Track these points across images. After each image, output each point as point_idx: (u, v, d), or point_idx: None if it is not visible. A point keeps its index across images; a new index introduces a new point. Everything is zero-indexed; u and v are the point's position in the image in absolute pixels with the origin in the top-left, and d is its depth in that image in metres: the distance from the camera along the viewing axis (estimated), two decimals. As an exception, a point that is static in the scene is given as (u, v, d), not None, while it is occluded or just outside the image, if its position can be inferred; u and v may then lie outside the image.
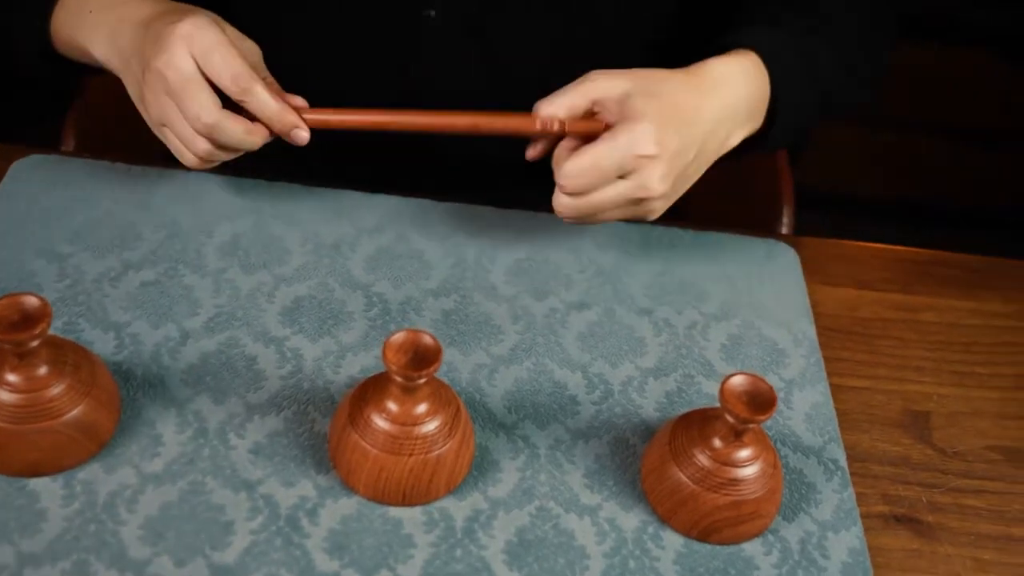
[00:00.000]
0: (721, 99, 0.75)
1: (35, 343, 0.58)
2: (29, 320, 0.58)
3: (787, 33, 0.80)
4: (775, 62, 0.78)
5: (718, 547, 0.64)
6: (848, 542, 0.66)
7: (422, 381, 0.61)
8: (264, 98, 0.71)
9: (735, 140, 0.78)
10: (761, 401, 0.61)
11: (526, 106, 0.73)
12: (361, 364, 0.71)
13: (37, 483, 0.61)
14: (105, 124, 1.02)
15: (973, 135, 1.84)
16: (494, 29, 0.82)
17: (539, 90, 0.73)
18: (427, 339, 0.61)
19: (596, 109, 0.72)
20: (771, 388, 0.62)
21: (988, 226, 1.72)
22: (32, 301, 0.59)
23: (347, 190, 0.83)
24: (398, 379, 0.60)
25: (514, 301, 0.77)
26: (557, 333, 0.75)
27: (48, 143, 0.89)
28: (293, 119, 0.72)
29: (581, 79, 0.72)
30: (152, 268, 0.74)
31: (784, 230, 1.06)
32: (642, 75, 0.73)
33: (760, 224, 1.06)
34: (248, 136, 0.71)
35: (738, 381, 0.62)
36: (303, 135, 0.73)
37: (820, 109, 0.83)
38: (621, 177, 0.70)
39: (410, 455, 0.62)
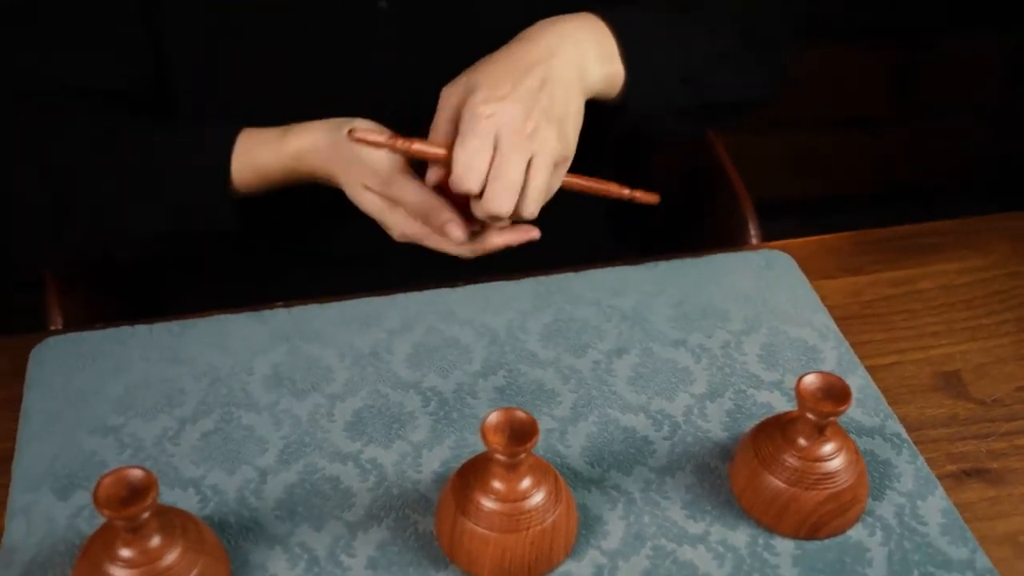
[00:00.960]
0: (553, 31, 0.77)
1: (147, 515, 0.58)
2: (137, 493, 0.58)
3: (641, 9, 0.83)
4: (621, 23, 0.80)
5: (828, 540, 0.68)
6: (936, 504, 0.70)
7: (523, 456, 0.62)
8: (417, 189, 0.76)
9: (594, 69, 0.78)
10: (836, 393, 0.65)
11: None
12: (439, 458, 0.72)
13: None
14: (83, 294, 1.01)
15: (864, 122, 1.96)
16: (442, 14, 0.85)
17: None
18: (520, 414, 0.63)
19: (461, 119, 0.73)
20: (841, 379, 0.66)
21: (914, 199, 1.82)
22: (136, 473, 0.59)
23: (360, 298, 0.84)
24: (502, 458, 0.62)
25: (558, 363, 0.79)
26: (607, 382, 0.78)
27: (31, 327, 0.88)
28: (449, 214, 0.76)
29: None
30: (207, 417, 0.74)
31: (754, 240, 1.12)
32: (478, 63, 0.75)
33: (729, 239, 1.11)
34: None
35: (810, 380, 0.66)
36: (457, 232, 0.75)
37: (689, 85, 0.84)
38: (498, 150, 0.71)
39: (527, 529, 0.63)
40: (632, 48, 0.79)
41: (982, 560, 0.67)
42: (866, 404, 0.77)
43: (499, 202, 0.71)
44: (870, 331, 0.85)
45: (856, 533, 0.68)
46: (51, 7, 0.80)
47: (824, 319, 0.84)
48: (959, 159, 2.00)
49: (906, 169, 2.00)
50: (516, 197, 0.72)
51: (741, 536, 0.68)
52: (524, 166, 0.72)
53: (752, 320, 0.84)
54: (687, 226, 1.13)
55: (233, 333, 0.81)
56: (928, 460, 0.74)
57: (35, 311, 1.00)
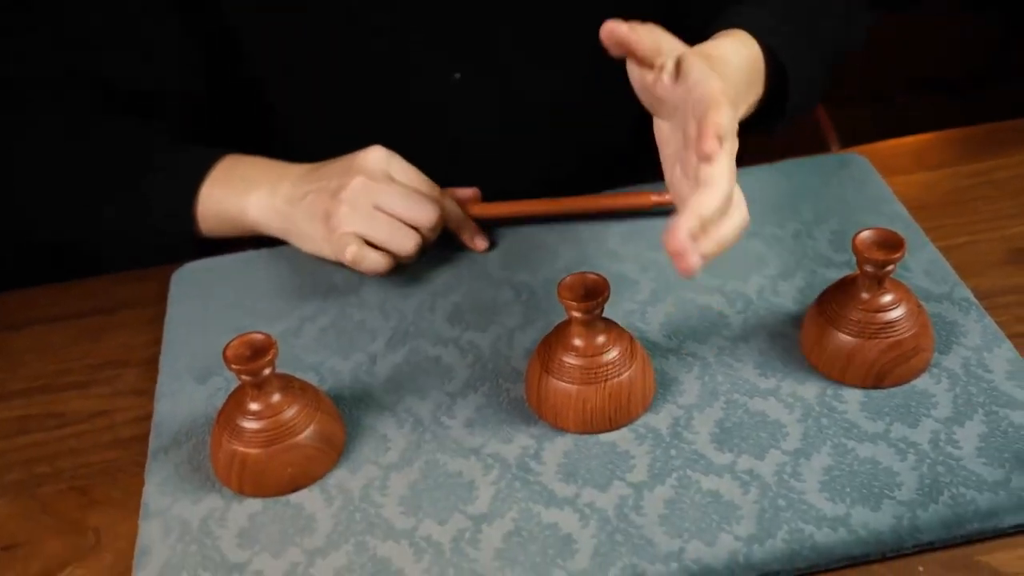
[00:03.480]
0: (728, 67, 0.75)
1: (267, 371, 0.67)
2: (259, 352, 0.67)
3: (769, 10, 0.82)
4: (766, 35, 0.79)
5: (894, 389, 0.71)
6: (1004, 355, 0.73)
7: (597, 312, 0.69)
8: (454, 206, 0.86)
9: (742, 109, 0.77)
10: (892, 243, 0.69)
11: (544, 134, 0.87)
12: (531, 338, 0.79)
13: (297, 496, 0.69)
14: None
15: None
16: (512, 78, 0.91)
17: (551, 116, 0.87)
18: (592, 276, 0.69)
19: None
20: (895, 233, 0.70)
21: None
22: (258, 337, 0.68)
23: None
24: (577, 315, 0.68)
25: (638, 257, 0.85)
26: (685, 270, 0.84)
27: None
28: (474, 225, 0.87)
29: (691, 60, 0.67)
30: (326, 316, 0.83)
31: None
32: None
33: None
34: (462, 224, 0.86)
35: (866, 234, 0.70)
36: (482, 245, 0.87)
37: (823, 65, 0.87)
38: None
39: (605, 380, 0.70)
40: (788, 63, 0.80)
41: (1048, 400, 0.70)
42: (934, 274, 0.80)
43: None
44: (945, 216, 0.88)
45: (922, 382, 0.72)
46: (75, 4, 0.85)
47: (896, 207, 0.88)
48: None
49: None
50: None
51: (811, 389, 0.72)
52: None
53: (823, 212, 0.88)
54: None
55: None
56: (998, 322, 0.76)
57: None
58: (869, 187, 0.90)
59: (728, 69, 0.73)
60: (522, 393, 0.74)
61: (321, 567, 0.64)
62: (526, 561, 0.63)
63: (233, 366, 0.66)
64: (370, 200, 0.80)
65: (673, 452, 0.69)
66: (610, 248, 0.87)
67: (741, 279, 0.82)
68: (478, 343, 0.79)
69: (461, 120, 0.94)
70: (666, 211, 0.89)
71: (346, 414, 0.74)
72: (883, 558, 0.63)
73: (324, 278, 0.87)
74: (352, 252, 0.80)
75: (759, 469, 0.67)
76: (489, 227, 0.89)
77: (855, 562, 0.63)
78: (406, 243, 0.81)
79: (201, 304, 0.86)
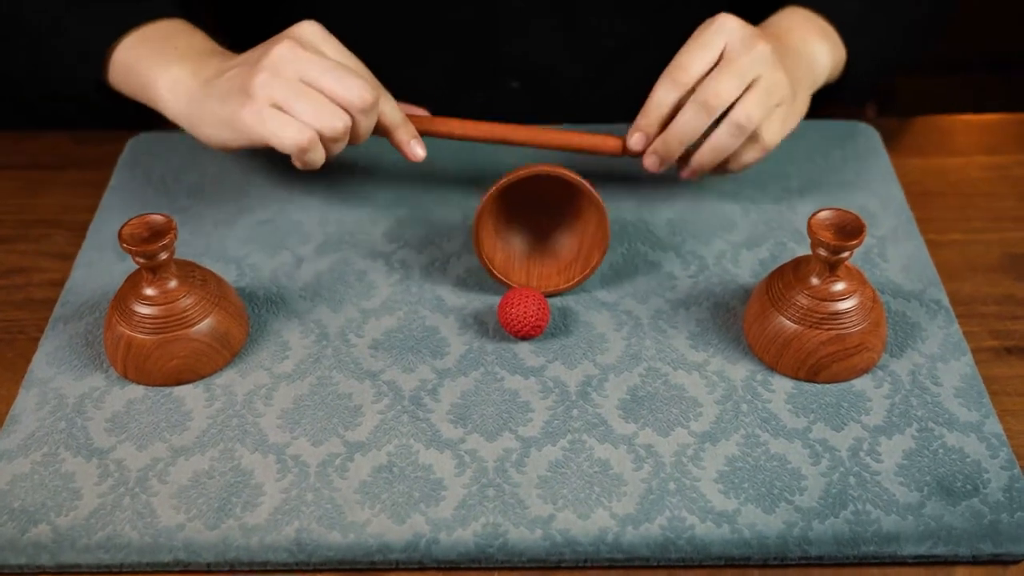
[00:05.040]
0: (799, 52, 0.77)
1: (164, 255, 0.64)
2: (157, 234, 0.64)
3: None
4: (829, 9, 0.80)
5: (829, 385, 0.66)
6: (959, 370, 0.67)
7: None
8: (393, 104, 0.73)
9: (825, 62, 0.79)
10: (850, 229, 0.63)
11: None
12: (465, 266, 0.74)
13: (180, 390, 0.66)
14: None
15: None
16: (567, 87, 0.90)
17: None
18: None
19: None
20: (858, 217, 0.63)
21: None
22: (158, 219, 0.65)
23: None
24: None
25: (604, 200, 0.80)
26: (647, 221, 0.78)
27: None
28: (414, 130, 0.74)
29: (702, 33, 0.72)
30: (265, 209, 0.79)
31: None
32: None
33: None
34: (399, 125, 0.73)
35: (825, 215, 0.64)
36: (420, 152, 0.74)
37: (904, 33, 0.85)
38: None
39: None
40: (853, 34, 0.80)
41: (992, 426, 0.63)
42: (912, 270, 0.73)
43: (697, 111, 0.70)
44: (945, 207, 0.81)
45: (861, 383, 0.66)
46: None
47: (893, 189, 0.80)
48: None
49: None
50: (714, 113, 0.70)
51: (740, 370, 0.67)
52: (743, 84, 0.70)
53: (813, 183, 0.81)
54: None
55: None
56: (967, 333, 0.70)
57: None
58: (871, 163, 0.83)
59: (788, 55, 0.75)
60: (437, 322, 0.70)
61: (181, 467, 0.62)
62: (388, 499, 0.60)
63: (126, 246, 0.63)
64: (296, 69, 0.68)
65: (575, 412, 0.65)
66: (576, 185, 0.81)
67: (702, 241, 0.76)
68: (410, 263, 0.75)
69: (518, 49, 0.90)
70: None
71: (253, 314, 0.71)
72: (763, 565, 0.58)
73: (279, 174, 0.83)
74: (307, 138, 0.67)
75: (659, 446, 0.62)
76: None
77: (731, 563, 0.58)
78: (333, 121, 0.68)
79: (145, 176, 0.83)
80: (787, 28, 0.78)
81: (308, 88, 0.68)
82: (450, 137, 0.76)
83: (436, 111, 0.79)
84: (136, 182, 0.82)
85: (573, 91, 0.94)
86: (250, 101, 0.68)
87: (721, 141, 0.71)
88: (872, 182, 0.81)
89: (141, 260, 0.64)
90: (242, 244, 0.77)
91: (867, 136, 0.86)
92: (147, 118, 0.82)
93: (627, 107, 0.78)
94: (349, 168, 0.83)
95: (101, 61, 0.78)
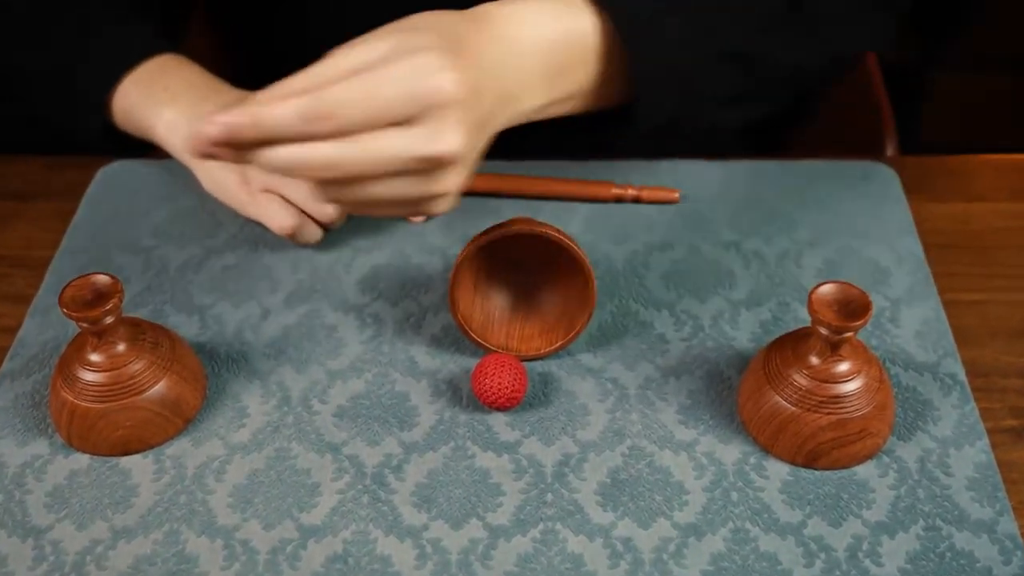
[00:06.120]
0: (504, 41, 0.58)
1: (109, 319, 0.59)
2: (101, 297, 0.59)
3: None
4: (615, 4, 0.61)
5: (828, 472, 0.60)
6: (973, 457, 0.61)
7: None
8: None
9: (532, 102, 0.61)
10: (854, 308, 0.57)
11: None
12: (441, 324, 0.69)
13: (128, 460, 0.62)
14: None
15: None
16: None
17: None
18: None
19: None
20: (864, 293, 0.58)
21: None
22: (103, 279, 0.60)
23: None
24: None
25: (593, 248, 0.74)
26: (640, 274, 0.72)
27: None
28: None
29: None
30: (233, 252, 0.75)
31: (889, 154, 1.01)
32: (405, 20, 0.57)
33: (857, 150, 1.00)
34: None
35: (827, 289, 0.58)
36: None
37: (739, 63, 0.67)
38: (397, 125, 0.52)
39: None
40: (636, 32, 0.62)
41: (1007, 525, 0.57)
42: (926, 337, 0.67)
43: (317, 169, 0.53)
44: (965, 263, 0.74)
45: (865, 470, 0.60)
46: None
47: (910, 242, 0.74)
48: None
49: None
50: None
51: (732, 452, 0.61)
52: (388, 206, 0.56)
53: (823, 232, 0.75)
54: (806, 131, 1.03)
55: (282, 178, 0.81)
56: (985, 410, 0.64)
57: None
58: (888, 210, 0.77)
59: (499, 47, 0.57)
60: (408, 387, 0.65)
61: (122, 551, 0.57)
62: (340, 596, 0.55)
63: (66, 311, 0.58)
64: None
65: (549, 497, 0.59)
66: (572, 232, 0.76)
67: (699, 298, 0.70)
68: (383, 317, 0.70)
69: None
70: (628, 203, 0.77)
71: (212, 374, 0.66)
72: None
73: (250, 206, 0.78)
74: (291, 224, 0.70)
75: (639, 540, 0.57)
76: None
77: None
78: (328, 207, 0.71)
79: (113, 211, 0.78)
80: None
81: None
82: None
83: None
84: (101, 218, 0.78)
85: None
86: (246, 185, 0.71)
87: None
88: (888, 233, 0.75)
89: (84, 325, 0.59)
90: (207, 292, 0.72)
91: (885, 179, 0.79)
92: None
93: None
94: (327, 206, 0.78)
95: (102, 110, 0.76)
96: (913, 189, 0.79)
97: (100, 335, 0.60)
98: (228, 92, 0.75)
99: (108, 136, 0.79)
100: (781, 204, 0.76)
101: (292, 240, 0.72)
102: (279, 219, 0.71)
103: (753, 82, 0.70)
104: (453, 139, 0.53)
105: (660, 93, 0.65)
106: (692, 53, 0.65)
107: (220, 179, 0.73)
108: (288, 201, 0.71)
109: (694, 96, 0.68)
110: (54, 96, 0.79)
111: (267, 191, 0.71)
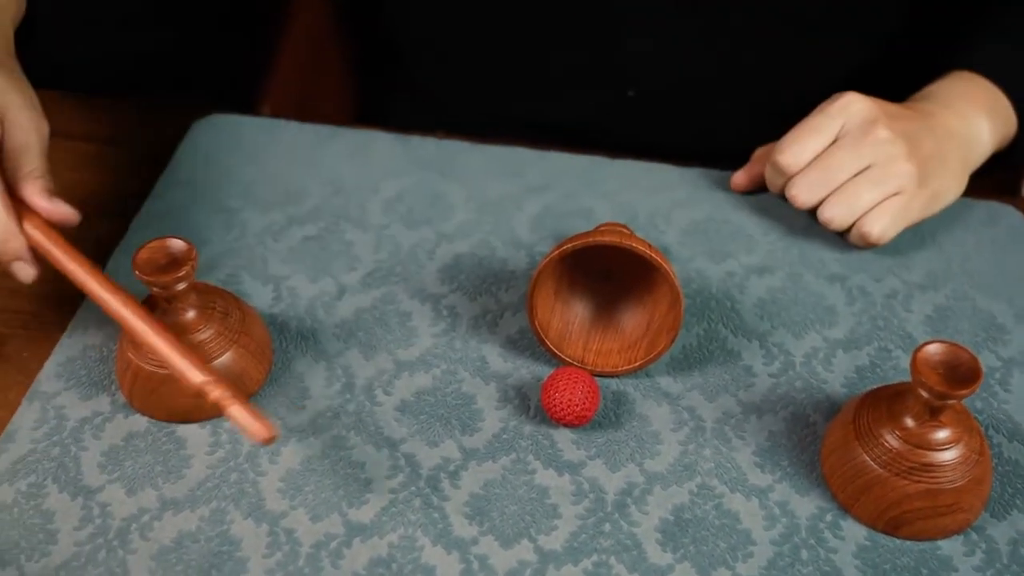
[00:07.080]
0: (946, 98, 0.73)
1: (181, 286, 0.58)
2: (175, 263, 0.58)
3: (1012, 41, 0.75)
4: (1000, 76, 0.73)
5: (909, 542, 0.56)
6: (1073, 547, 0.56)
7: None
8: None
9: (986, 141, 0.73)
10: (962, 373, 0.53)
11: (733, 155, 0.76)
12: (518, 326, 0.66)
13: (185, 429, 0.61)
14: (300, 93, 1.04)
15: None
16: (685, 100, 0.86)
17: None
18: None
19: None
20: (975, 358, 0.53)
21: None
22: (178, 244, 0.59)
23: (517, 147, 0.79)
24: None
25: (688, 264, 0.70)
26: (734, 298, 0.68)
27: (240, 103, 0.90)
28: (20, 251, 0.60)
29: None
30: (315, 223, 0.73)
31: None
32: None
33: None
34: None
35: (934, 349, 0.53)
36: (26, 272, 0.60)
37: None
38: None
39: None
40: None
41: (1101, 629, 0.53)
42: (1037, 407, 0.62)
43: (801, 190, 0.69)
44: (1091, 327, 0.68)
45: (950, 546, 0.56)
46: None
47: (1032, 296, 0.69)
48: None
49: None
50: (822, 194, 0.69)
51: (808, 505, 0.58)
52: (852, 169, 0.68)
53: (937, 275, 0.70)
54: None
55: (375, 152, 0.78)
56: (1093, 494, 0.59)
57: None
58: (1011, 258, 0.71)
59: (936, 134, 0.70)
60: (475, 389, 0.63)
61: (167, 523, 0.56)
62: (378, 604, 0.53)
63: (139, 273, 0.57)
64: None
65: (607, 527, 0.56)
66: (663, 244, 0.72)
67: (793, 332, 0.66)
68: (460, 311, 0.67)
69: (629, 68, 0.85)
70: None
71: (279, 349, 0.65)
72: None
73: (338, 173, 0.76)
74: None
75: (696, 588, 0.54)
76: (535, 187, 0.76)
77: None
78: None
79: (203, 166, 0.77)
80: (946, 103, 0.70)
81: None
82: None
83: (548, 111, 0.87)
84: (192, 174, 0.76)
85: (686, 110, 0.86)
86: None
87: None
88: (1009, 284, 0.69)
89: (156, 289, 0.58)
90: (284, 262, 0.70)
91: (1011, 221, 0.74)
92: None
93: (730, 141, 0.76)
94: (420, 181, 0.76)
95: None
96: (1042, 236, 0.73)
97: (170, 300, 0.59)
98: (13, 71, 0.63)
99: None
100: (895, 240, 0.71)
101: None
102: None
103: None
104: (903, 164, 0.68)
105: None
106: None
107: None
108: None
109: None
110: None
111: None
